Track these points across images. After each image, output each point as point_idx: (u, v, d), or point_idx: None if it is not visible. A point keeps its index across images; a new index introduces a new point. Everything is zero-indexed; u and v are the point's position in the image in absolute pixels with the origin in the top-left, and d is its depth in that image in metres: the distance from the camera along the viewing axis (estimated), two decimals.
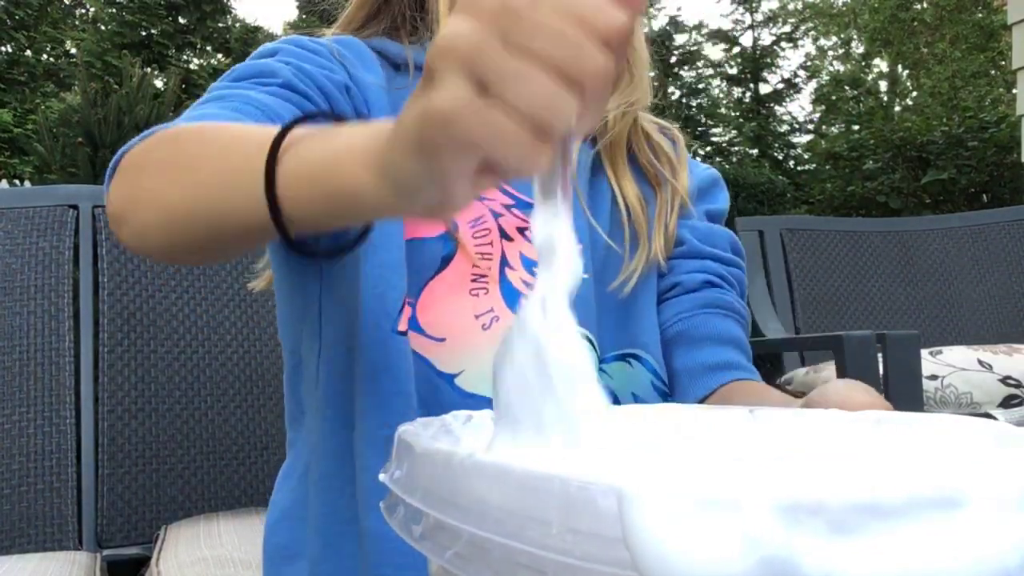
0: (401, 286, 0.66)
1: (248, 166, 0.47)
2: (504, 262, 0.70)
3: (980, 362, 1.65)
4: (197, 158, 0.53)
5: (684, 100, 11.61)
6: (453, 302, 0.68)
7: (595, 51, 0.32)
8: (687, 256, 0.77)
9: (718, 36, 12.42)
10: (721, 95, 12.62)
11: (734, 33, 12.39)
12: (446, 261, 0.68)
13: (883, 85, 15.96)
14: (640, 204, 0.75)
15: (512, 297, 0.69)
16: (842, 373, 1.31)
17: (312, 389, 0.71)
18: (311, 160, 0.45)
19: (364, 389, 0.65)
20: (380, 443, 0.64)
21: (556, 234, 0.35)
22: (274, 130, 0.47)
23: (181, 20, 9.70)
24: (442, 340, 0.67)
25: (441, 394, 0.66)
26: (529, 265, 0.70)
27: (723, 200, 0.83)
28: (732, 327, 0.74)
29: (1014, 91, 4.01)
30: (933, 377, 1.62)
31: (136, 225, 0.54)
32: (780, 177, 8.05)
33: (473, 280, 0.68)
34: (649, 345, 0.73)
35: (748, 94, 12.25)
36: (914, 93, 15.50)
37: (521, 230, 0.71)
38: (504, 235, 0.70)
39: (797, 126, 12.67)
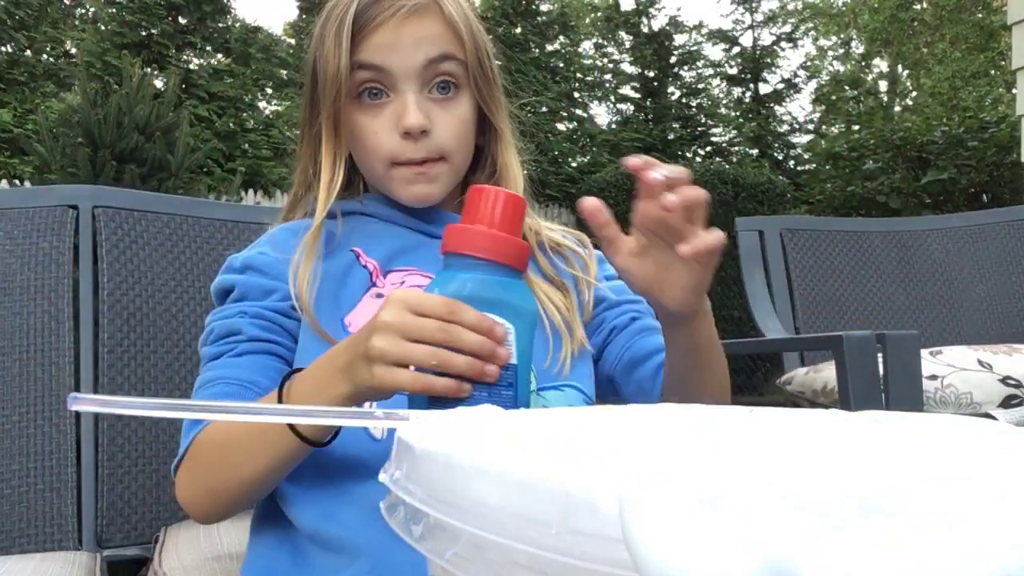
0: None
1: (269, 430, 0.73)
2: None
3: (980, 362, 1.65)
4: (240, 460, 0.76)
5: (684, 100, 11.61)
6: None
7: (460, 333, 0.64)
8: (611, 307, 0.98)
9: (718, 36, 12.42)
10: (721, 95, 12.62)
11: (734, 33, 12.39)
12: None
13: (883, 85, 15.96)
14: (562, 303, 0.93)
15: None
16: (842, 373, 1.31)
17: None
18: (306, 392, 0.72)
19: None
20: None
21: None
22: (272, 396, 0.75)
23: (181, 20, 9.69)
24: None
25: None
26: None
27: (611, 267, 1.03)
28: (658, 337, 0.91)
29: (1014, 91, 4.01)
30: (933, 377, 1.62)
31: (208, 513, 0.82)
32: (780, 177, 8.05)
33: None
34: (581, 379, 0.91)
35: (748, 94, 12.25)
36: (914, 93, 15.50)
37: None
38: None
39: (797, 126, 12.68)
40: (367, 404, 0.77)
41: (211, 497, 0.80)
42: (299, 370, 0.75)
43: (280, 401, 0.72)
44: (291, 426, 0.71)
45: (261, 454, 0.74)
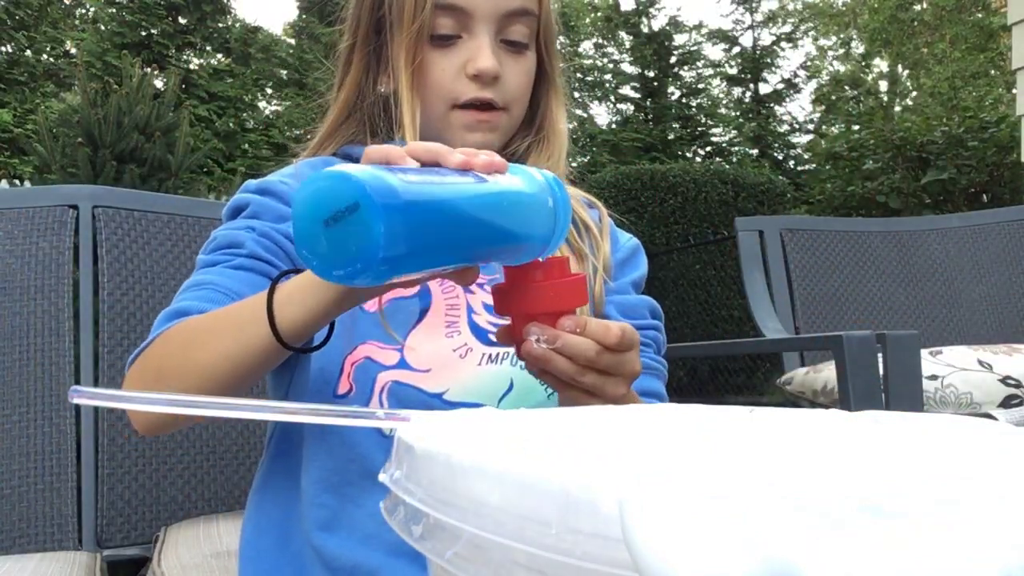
0: (337, 359, 0.80)
1: (252, 320, 0.68)
2: (470, 310, 0.84)
3: (980, 362, 1.65)
4: (204, 343, 0.71)
5: (684, 100, 11.61)
6: (433, 343, 0.82)
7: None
8: None
9: (718, 36, 12.41)
10: (721, 95, 12.62)
11: (734, 33, 12.39)
12: (423, 313, 0.83)
13: (883, 85, 15.96)
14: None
15: (481, 334, 0.83)
16: (842, 373, 1.31)
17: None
18: (293, 295, 0.67)
19: (312, 443, 0.80)
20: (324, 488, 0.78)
21: None
22: (259, 298, 0.68)
23: (181, 20, 9.69)
24: (428, 371, 0.80)
25: (432, 408, 0.76)
26: (490, 310, 0.83)
27: (643, 265, 0.97)
28: (653, 383, 0.88)
29: (1014, 91, 4.01)
30: (933, 377, 1.62)
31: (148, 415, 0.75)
32: (780, 177, 8.06)
33: (447, 326, 0.83)
34: None
35: (748, 94, 12.25)
36: (914, 93, 15.50)
37: (479, 284, 0.84)
38: (466, 289, 0.84)
39: (797, 126, 12.67)
40: (370, 404, 0.76)
41: (158, 386, 0.73)
42: (297, 271, 0.71)
43: (270, 297, 0.67)
44: (270, 318, 0.66)
45: (228, 336, 0.69)
